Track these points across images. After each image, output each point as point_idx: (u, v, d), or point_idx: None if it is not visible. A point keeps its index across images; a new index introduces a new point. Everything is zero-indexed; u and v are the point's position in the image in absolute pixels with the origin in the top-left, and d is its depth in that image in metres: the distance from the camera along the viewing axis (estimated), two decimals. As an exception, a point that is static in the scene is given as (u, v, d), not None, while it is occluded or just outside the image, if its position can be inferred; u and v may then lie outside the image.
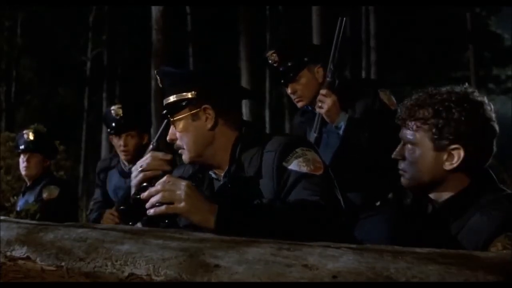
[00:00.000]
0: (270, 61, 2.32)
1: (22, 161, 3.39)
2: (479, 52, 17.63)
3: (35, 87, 18.87)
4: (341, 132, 2.18)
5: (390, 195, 2.23)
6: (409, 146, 1.42)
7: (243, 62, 12.31)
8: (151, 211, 1.34)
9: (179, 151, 1.59)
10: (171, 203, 1.32)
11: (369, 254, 0.90)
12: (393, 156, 1.46)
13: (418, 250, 0.96)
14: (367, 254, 0.90)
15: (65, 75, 17.96)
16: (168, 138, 1.58)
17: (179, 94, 1.53)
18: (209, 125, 1.54)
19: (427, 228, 1.44)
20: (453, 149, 1.36)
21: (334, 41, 2.24)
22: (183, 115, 1.54)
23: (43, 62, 17.91)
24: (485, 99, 1.41)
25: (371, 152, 2.18)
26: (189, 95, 1.53)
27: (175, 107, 1.55)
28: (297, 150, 1.48)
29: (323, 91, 2.21)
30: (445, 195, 1.40)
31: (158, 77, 1.60)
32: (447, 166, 1.37)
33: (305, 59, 2.29)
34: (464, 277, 0.79)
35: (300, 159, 1.46)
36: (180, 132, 1.55)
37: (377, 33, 14.03)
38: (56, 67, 17.58)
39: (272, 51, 2.33)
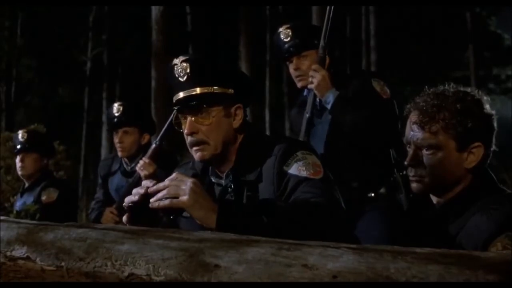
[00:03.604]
0: (281, 36, 2.33)
1: (17, 162, 3.39)
2: (479, 52, 17.62)
3: (35, 87, 18.85)
4: (329, 106, 2.19)
5: (382, 190, 2.23)
6: (427, 150, 1.39)
7: (243, 62, 12.31)
8: (155, 204, 1.35)
9: (195, 147, 1.53)
10: (176, 197, 1.33)
11: (369, 254, 0.90)
12: (406, 163, 1.42)
13: (418, 250, 0.96)
14: (367, 254, 0.89)
15: (65, 75, 17.95)
16: (187, 131, 1.51)
17: (217, 88, 1.50)
18: (237, 124, 1.55)
19: (427, 228, 1.44)
20: (475, 147, 1.37)
21: (326, 16, 2.26)
22: (216, 109, 1.52)
23: (43, 62, 17.89)
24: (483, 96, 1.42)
25: (361, 136, 2.18)
26: (229, 91, 1.52)
27: (211, 99, 1.50)
28: (298, 153, 1.49)
29: (313, 66, 2.24)
30: (451, 195, 1.40)
31: (185, 64, 1.50)
32: (467, 164, 1.37)
33: (316, 41, 2.30)
34: (464, 277, 0.79)
35: (300, 163, 1.47)
36: (209, 126, 1.51)
37: (377, 33, 14.03)
38: (56, 67, 17.56)
39: (287, 26, 2.34)
